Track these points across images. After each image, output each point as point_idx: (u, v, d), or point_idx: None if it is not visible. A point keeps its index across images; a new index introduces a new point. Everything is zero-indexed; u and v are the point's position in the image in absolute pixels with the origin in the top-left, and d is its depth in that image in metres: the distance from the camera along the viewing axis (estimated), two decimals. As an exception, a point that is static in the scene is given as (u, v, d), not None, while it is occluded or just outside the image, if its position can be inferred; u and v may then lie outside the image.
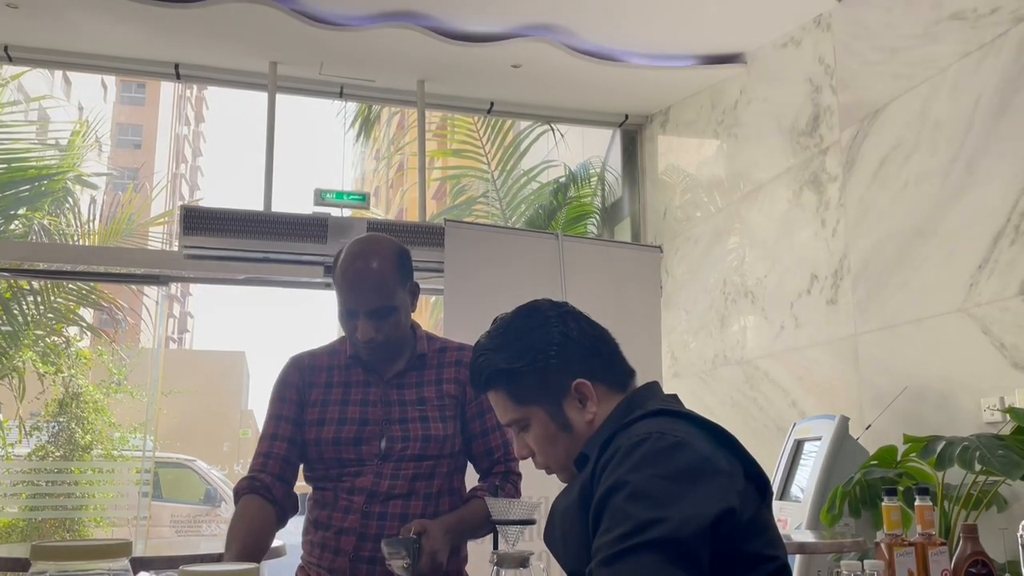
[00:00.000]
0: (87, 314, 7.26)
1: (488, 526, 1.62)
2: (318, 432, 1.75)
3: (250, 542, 1.63)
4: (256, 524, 1.68)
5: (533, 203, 5.59)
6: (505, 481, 1.80)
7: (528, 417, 1.28)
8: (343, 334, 1.83)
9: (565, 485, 1.28)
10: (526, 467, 1.75)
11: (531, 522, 1.38)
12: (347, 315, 1.74)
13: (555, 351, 1.26)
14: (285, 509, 1.74)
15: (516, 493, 1.80)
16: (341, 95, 4.55)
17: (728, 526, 1.05)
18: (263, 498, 1.71)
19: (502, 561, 1.22)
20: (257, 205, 4.18)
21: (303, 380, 1.81)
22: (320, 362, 1.83)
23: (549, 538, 1.27)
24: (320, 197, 4.22)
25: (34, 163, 6.57)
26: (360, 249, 1.75)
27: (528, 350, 1.26)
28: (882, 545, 1.47)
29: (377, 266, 1.71)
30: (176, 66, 4.30)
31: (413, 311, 1.82)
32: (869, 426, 2.91)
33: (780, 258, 3.67)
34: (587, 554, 1.08)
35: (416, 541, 1.55)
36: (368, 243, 1.77)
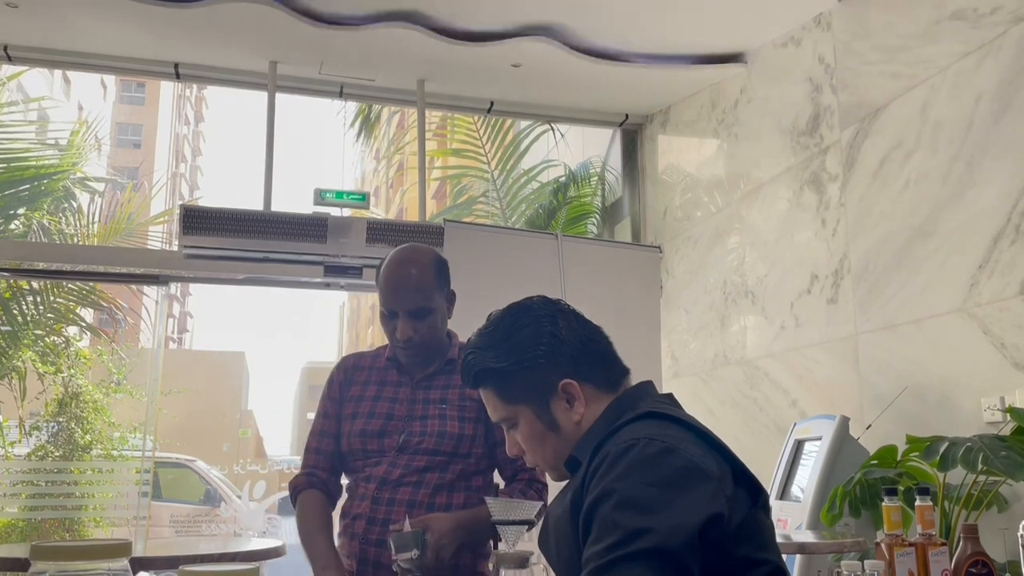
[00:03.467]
0: (87, 314, 7.25)
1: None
2: (350, 425, 1.88)
3: (329, 535, 1.80)
4: (328, 520, 1.84)
5: (533, 203, 5.59)
6: (528, 488, 1.82)
7: (516, 415, 1.28)
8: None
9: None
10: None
11: (531, 523, 1.38)
12: (388, 316, 1.86)
13: (543, 351, 1.26)
14: (336, 501, 1.92)
15: (538, 498, 1.81)
16: (341, 95, 4.55)
17: (717, 532, 1.04)
18: (322, 492, 1.88)
19: (502, 561, 1.22)
20: (257, 205, 4.17)
21: (345, 379, 1.96)
22: (363, 363, 1.98)
23: (543, 545, 1.27)
24: (320, 197, 4.22)
25: (34, 163, 6.56)
26: (402, 255, 1.88)
27: (516, 349, 1.27)
28: (882, 545, 1.47)
29: (416, 270, 1.84)
30: (176, 66, 4.30)
31: (449, 318, 1.93)
32: (869, 426, 2.91)
33: (780, 258, 3.67)
34: (578, 562, 1.08)
35: (422, 534, 1.58)
36: (409, 250, 1.91)
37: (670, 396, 1.30)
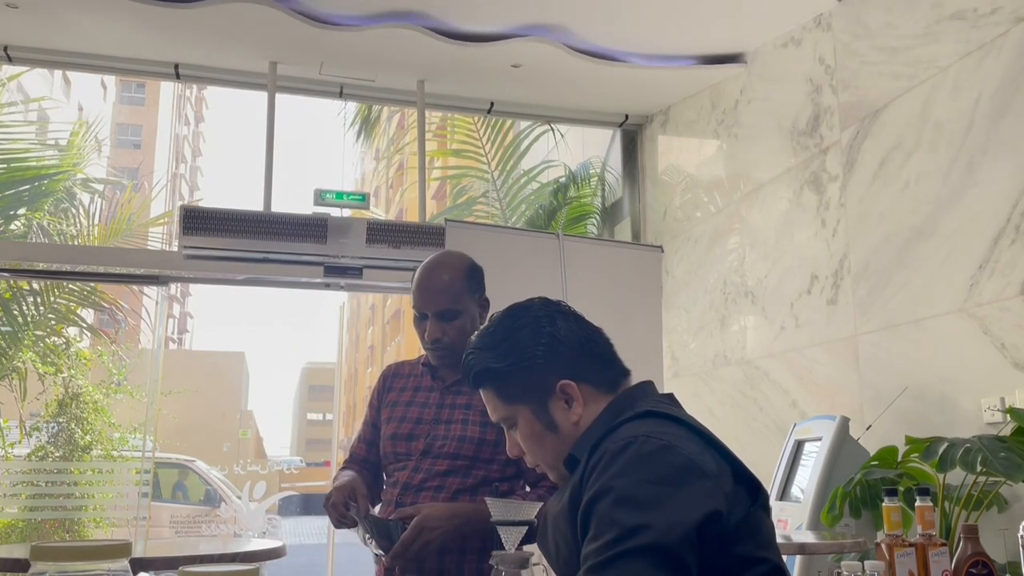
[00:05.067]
0: (88, 315, 7.25)
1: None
2: (385, 428, 1.97)
3: (347, 469, 1.98)
4: (356, 470, 2.00)
5: (533, 203, 5.59)
6: (548, 494, 1.81)
7: (515, 415, 1.29)
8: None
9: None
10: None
11: (531, 523, 1.38)
12: (419, 318, 1.92)
13: (541, 351, 1.27)
14: (373, 488, 1.98)
15: None
16: (341, 95, 4.55)
17: (715, 529, 1.04)
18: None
19: (501, 562, 1.22)
20: (257, 205, 4.18)
21: (384, 386, 2.06)
22: (403, 370, 2.06)
23: (542, 543, 1.27)
24: (320, 197, 4.22)
25: (34, 163, 6.56)
26: (434, 259, 1.96)
27: (514, 350, 1.28)
28: (883, 546, 1.47)
29: (446, 273, 1.91)
30: (176, 66, 4.30)
31: (482, 323, 1.91)
32: (869, 426, 2.91)
33: (780, 258, 3.67)
34: (577, 560, 1.08)
35: (385, 522, 1.67)
36: (442, 255, 1.99)
37: (670, 396, 1.30)
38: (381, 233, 4.17)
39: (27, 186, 6.47)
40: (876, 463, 2.48)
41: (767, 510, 1.17)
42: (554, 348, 1.27)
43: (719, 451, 1.14)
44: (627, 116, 4.92)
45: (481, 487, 1.83)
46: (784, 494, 3.01)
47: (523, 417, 1.28)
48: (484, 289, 1.97)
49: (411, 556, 1.71)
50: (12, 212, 6.48)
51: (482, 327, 1.35)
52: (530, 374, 1.27)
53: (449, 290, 1.89)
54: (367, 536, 1.75)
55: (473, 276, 1.94)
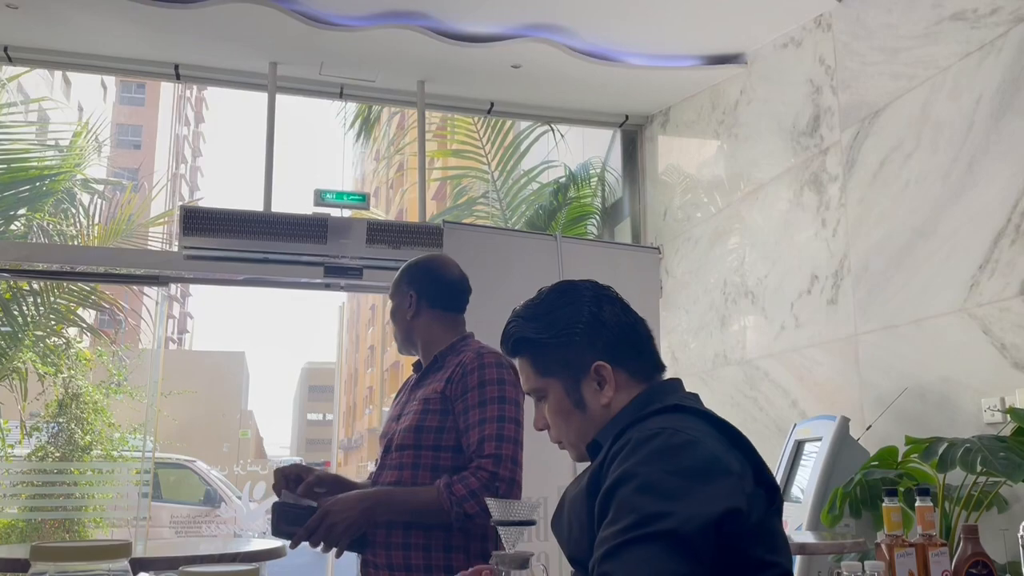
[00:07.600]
0: (88, 315, 7.25)
1: (434, 516, 1.76)
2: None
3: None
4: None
5: (533, 203, 5.59)
6: (471, 475, 1.80)
7: (546, 388, 1.31)
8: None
9: (570, 480, 1.29)
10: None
11: (531, 523, 1.38)
12: None
13: (581, 329, 1.28)
14: None
15: (477, 484, 1.78)
16: (341, 95, 4.55)
17: (733, 527, 1.04)
18: None
19: (501, 562, 1.22)
20: (257, 205, 4.18)
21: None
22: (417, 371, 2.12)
23: (556, 524, 1.28)
24: (320, 197, 4.22)
25: (35, 163, 6.56)
26: None
27: (555, 324, 1.30)
28: (883, 546, 1.47)
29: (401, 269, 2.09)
30: (176, 66, 4.30)
31: (410, 318, 2.03)
32: (869, 427, 2.91)
33: (780, 258, 3.67)
34: (588, 541, 1.09)
35: (304, 511, 1.75)
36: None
37: (695, 396, 1.31)
38: (381, 233, 4.17)
39: (27, 186, 6.46)
40: (876, 463, 2.48)
41: (780, 514, 1.17)
42: (595, 328, 1.29)
43: (743, 451, 1.15)
44: (627, 116, 4.92)
45: (434, 475, 1.82)
46: (784, 494, 3.00)
47: (554, 392, 1.30)
48: (418, 287, 2.02)
49: (316, 542, 1.77)
50: (12, 212, 6.48)
51: (530, 298, 1.37)
52: (567, 350, 1.28)
53: (394, 281, 2.07)
54: (271, 522, 1.81)
55: (409, 272, 2.05)
